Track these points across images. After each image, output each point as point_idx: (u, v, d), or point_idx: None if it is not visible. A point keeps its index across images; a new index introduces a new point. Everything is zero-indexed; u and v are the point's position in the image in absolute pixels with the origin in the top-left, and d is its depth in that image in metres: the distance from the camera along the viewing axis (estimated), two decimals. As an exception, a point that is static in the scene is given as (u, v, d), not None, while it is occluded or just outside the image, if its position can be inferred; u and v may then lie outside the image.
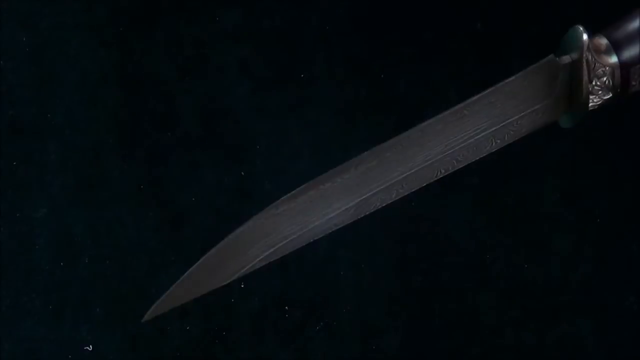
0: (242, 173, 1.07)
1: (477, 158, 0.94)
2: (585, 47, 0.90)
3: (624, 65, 0.91)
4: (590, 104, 0.91)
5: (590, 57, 0.91)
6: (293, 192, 0.92)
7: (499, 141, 0.93)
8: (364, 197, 0.92)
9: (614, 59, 0.91)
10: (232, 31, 1.09)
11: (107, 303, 1.05)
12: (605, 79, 0.91)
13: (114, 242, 1.06)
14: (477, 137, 0.93)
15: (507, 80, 0.93)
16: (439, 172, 0.93)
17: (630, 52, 0.92)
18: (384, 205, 0.93)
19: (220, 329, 1.05)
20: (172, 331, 1.05)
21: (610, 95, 0.92)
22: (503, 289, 1.06)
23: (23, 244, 1.06)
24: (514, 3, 1.08)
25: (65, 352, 1.05)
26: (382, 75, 1.08)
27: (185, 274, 0.90)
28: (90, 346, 1.05)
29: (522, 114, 0.93)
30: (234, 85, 1.08)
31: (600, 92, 0.91)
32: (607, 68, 0.91)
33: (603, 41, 0.92)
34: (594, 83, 0.91)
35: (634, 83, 0.92)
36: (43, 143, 1.07)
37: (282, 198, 0.91)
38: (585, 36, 0.91)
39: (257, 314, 1.05)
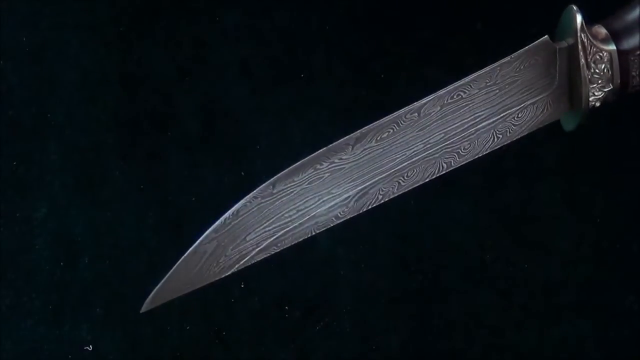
0: (242, 173, 1.07)
1: (480, 154, 0.93)
2: (579, 27, 0.90)
3: (622, 52, 0.91)
4: (591, 98, 0.91)
5: (586, 40, 0.90)
6: (288, 169, 0.91)
7: (500, 136, 0.93)
8: (364, 185, 0.91)
9: (612, 47, 0.91)
10: (232, 31, 1.09)
11: (107, 303, 1.05)
12: (603, 66, 0.90)
13: (114, 242, 1.06)
14: (478, 127, 0.92)
15: (502, 61, 0.93)
16: (441, 167, 0.92)
17: (628, 41, 0.91)
18: (386, 199, 0.92)
19: (220, 329, 1.05)
20: (172, 331, 1.05)
21: (611, 87, 0.91)
22: (503, 289, 1.06)
23: (23, 244, 1.06)
24: (514, 3, 1.09)
25: (65, 352, 1.05)
26: (382, 75, 1.08)
27: (182, 257, 0.90)
28: (90, 346, 1.05)
29: (522, 105, 0.93)
30: (234, 85, 1.08)
31: (600, 81, 0.91)
32: (605, 54, 0.90)
33: (602, 30, 0.92)
34: (592, 70, 0.90)
35: (634, 74, 0.91)
36: (43, 143, 1.07)
37: (278, 176, 0.91)
38: (579, 16, 0.90)
39: (257, 314, 1.05)
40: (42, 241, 1.06)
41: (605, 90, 0.91)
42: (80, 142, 1.07)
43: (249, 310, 1.05)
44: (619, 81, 0.91)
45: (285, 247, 0.91)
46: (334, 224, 0.92)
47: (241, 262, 0.90)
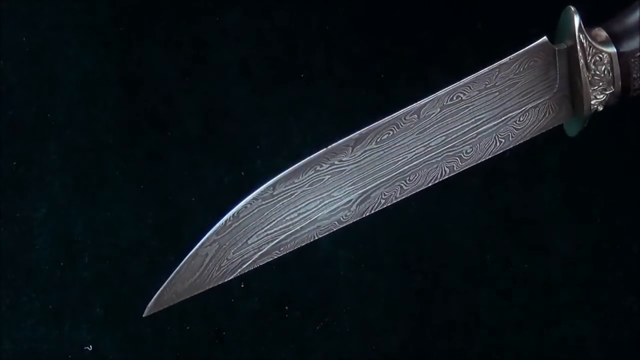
0: (242, 173, 1.07)
1: (483, 158, 0.92)
2: (577, 28, 0.90)
3: (622, 55, 0.90)
4: (593, 101, 0.90)
5: (585, 41, 0.90)
6: (288, 171, 0.91)
7: (502, 140, 0.92)
8: (365, 188, 0.91)
9: (612, 49, 0.91)
10: (232, 31, 1.09)
11: (107, 303, 1.05)
12: (603, 67, 0.90)
13: (114, 242, 1.06)
14: (479, 130, 0.92)
15: (500, 62, 0.92)
16: (443, 171, 0.92)
17: (628, 43, 0.91)
18: (388, 204, 0.92)
19: (220, 329, 1.05)
20: (172, 331, 1.05)
21: (612, 89, 0.90)
22: (503, 289, 1.06)
23: (23, 244, 1.06)
24: (514, 3, 1.08)
25: (65, 352, 1.05)
26: (382, 75, 1.08)
27: (184, 260, 0.90)
28: (90, 346, 1.05)
29: (523, 108, 0.92)
30: (234, 85, 1.08)
31: (601, 84, 0.90)
32: (605, 55, 0.90)
33: (601, 32, 0.92)
34: (592, 72, 0.90)
35: (635, 76, 0.91)
36: (43, 143, 1.07)
37: (278, 177, 0.91)
38: (577, 17, 0.90)
39: (257, 314, 1.05)
40: (42, 241, 1.06)
41: (607, 92, 0.90)
42: (80, 142, 1.07)
43: (249, 310, 1.05)
44: (620, 83, 0.90)
45: (287, 251, 0.90)
46: (337, 228, 0.91)
47: (243, 267, 0.90)
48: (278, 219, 0.90)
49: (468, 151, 0.92)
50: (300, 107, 1.08)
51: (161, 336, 1.05)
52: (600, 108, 0.91)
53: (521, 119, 0.92)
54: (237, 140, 1.08)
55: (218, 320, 1.05)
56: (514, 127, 0.92)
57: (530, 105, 0.92)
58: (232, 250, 0.90)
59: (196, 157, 1.07)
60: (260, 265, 0.91)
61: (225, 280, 0.90)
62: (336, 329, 1.05)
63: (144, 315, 0.90)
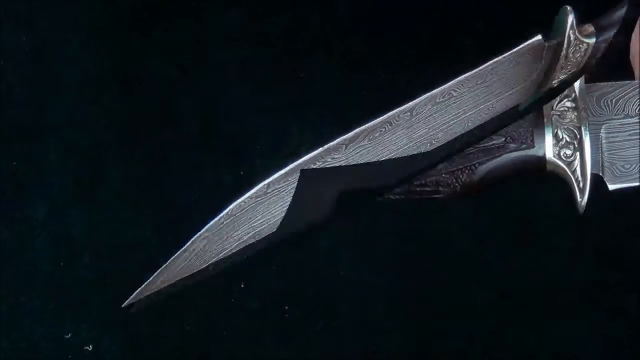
0: (242, 173, 1.07)
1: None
2: (569, 25, 0.90)
3: (598, 43, 0.91)
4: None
5: (572, 36, 0.90)
6: (284, 171, 0.90)
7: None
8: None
9: (592, 40, 0.91)
10: (232, 31, 1.09)
11: (107, 303, 1.05)
12: (579, 55, 0.90)
13: (113, 242, 1.06)
14: (458, 120, 0.92)
15: (494, 60, 0.92)
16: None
17: (607, 33, 0.91)
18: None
19: (220, 329, 1.05)
20: (171, 331, 1.05)
21: (575, 70, 0.91)
22: (503, 289, 1.06)
23: (23, 244, 1.06)
24: (514, 3, 1.09)
25: (65, 352, 1.05)
26: (382, 75, 1.08)
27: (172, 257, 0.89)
28: (90, 346, 1.05)
29: (499, 97, 0.92)
30: (234, 85, 1.08)
31: (569, 67, 0.90)
32: (584, 45, 0.90)
33: (590, 28, 0.92)
34: (568, 60, 0.90)
35: (597, 57, 0.91)
36: (43, 143, 1.07)
37: (274, 177, 0.90)
38: (571, 16, 0.90)
39: (257, 314, 1.05)
40: (42, 241, 1.06)
41: (569, 72, 0.90)
42: (80, 142, 1.08)
43: (248, 310, 1.05)
44: (582, 64, 0.90)
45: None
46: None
47: (220, 255, 0.88)
48: (265, 213, 0.90)
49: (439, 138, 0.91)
50: (300, 107, 1.08)
51: (161, 336, 1.05)
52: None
53: (494, 106, 0.92)
54: (237, 140, 1.08)
55: (218, 320, 1.05)
56: (485, 114, 0.92)
57: (506, 94, 0.92)
58: (217, 244, 0.89)
59: (196, 157, 1.07)
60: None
61: (203, 268, 0.88)
62: (336, 329, 1.05)
63: (122, 306, 0.89)
